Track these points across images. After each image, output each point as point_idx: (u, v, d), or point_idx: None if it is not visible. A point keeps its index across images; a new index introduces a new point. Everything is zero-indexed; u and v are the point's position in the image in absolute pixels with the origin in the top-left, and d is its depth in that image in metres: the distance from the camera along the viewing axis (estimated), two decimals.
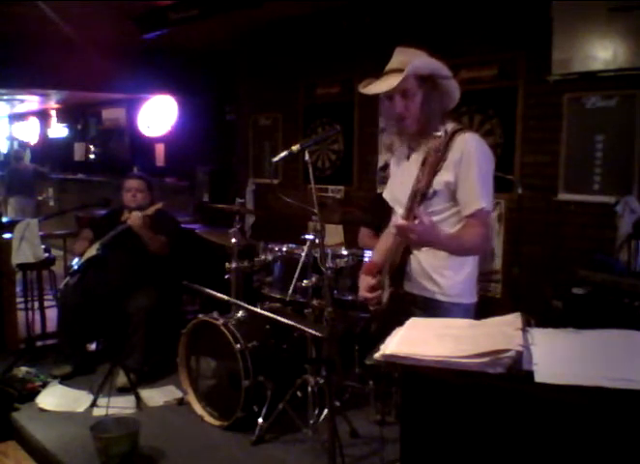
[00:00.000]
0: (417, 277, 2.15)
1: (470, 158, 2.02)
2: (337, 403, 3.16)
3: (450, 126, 2.10)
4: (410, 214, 1.91)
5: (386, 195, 2.40)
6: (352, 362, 3.57)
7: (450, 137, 2.02)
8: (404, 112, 2.09)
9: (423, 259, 2.13)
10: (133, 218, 3.95)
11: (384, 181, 4.29)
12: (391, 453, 2.17)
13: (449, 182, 2.04)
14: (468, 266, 2.18)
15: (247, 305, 3.06)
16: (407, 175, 2.14)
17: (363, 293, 2.24)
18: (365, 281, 2.26)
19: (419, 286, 2.16)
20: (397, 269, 2.08)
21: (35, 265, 4.35)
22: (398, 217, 1.88)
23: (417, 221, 1.79)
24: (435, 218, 1.96)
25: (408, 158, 2.21)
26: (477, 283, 2.26)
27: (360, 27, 4.59)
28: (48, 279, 4.91)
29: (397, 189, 2.24)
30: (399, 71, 2.05)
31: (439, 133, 1.91)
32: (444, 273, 2.13)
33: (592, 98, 3.43)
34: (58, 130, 10.59)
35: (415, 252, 2.11)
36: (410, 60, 2.06)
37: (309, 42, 5.14)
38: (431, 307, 2.13)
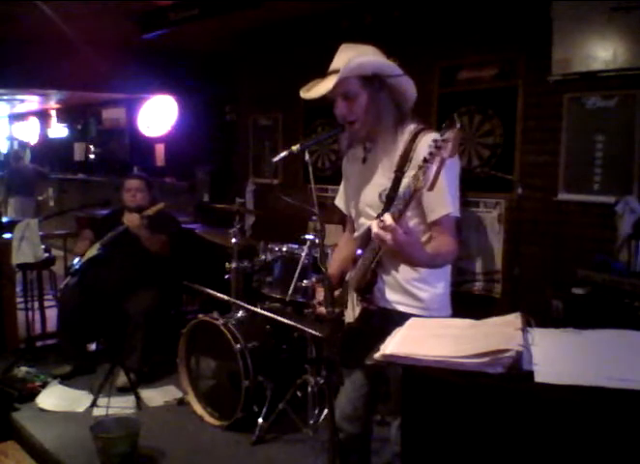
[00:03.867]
0: (392, 292, 2.00)
1: None
2: None
3: (411, 126, 1.99)
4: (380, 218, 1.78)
5: (339, 203, 2.28)
6: None
7: (414, 138, 1.93)
8: (347, 115, 1.95)
9: (398, 272, 1.99)
10: (131, 219, 3.96)
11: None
12: (390, 453, 2.18)
13: None
14: (444, 278, 2.05)
15: (247, 305, 3.06)
16: (366, 179, 2.04)
17: (321, 309, 2.13)
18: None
19: (394, 301, 2.00)
20: (367, 284, 1.92)
21: (35, 265, 4.35)
22: (370, 224, 1.69)
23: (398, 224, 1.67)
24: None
25: (364, 161, 2.07)
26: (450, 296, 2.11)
27: (360, 27, 4.59)
28: (48, 279, 4.91)
29: (355, 195, 2.09)
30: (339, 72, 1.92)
31: (405, 134, 1.90)
32: (422, 286, 1.99)
33: (592, 98, 3.43)
34: (58, 130, 10.59)
35: (388, 266, 1.98)
36: (350, 60, 1.91)
37: (309, 42, 5.14)
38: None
